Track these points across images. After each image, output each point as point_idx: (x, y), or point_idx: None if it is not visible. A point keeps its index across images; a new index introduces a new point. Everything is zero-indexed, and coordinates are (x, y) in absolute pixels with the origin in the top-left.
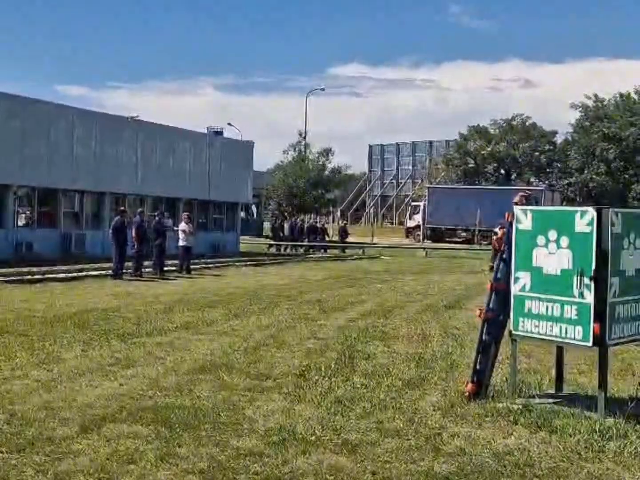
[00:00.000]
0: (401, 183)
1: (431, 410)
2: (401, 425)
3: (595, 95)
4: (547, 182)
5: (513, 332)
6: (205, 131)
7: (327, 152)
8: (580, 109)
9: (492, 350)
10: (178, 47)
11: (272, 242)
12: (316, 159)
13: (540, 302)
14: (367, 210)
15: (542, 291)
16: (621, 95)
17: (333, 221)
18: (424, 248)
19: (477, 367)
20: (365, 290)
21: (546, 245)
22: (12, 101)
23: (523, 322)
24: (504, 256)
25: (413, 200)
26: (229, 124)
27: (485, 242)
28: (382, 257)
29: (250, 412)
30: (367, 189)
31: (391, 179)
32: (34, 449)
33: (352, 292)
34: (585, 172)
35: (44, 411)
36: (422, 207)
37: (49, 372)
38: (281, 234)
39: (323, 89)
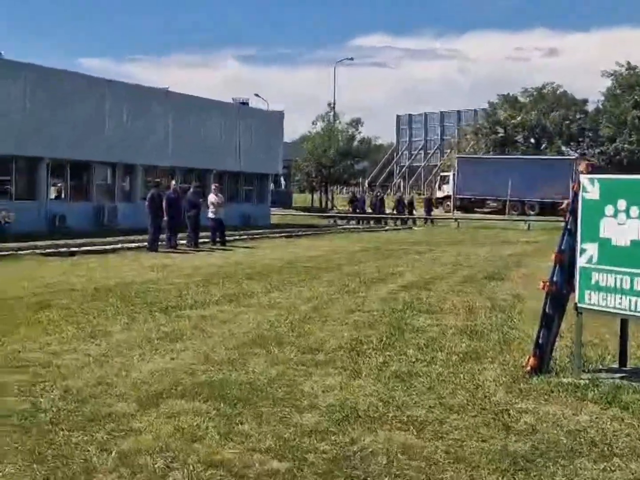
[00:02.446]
0: (429, 153)
1: (493, 385)
2: (465, 401)
3: (628, 63)
4: (578, 151)
5: (579, 305)
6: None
7: (356, 123)
8: (612, 77)
9: (555, 324)
10: (200, 19)
11: (351, 214)
12: (345, 129)
13: (609, 275)
14: (394, 181)
15: (611, 263)
16: None
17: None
18: (456, 219)
19: (539, 341)
20: (402, 261)
21: (615, 216)
22: (43, 73)
23: (589, 294)
24: (569, 227)
25: (442, 171)
26: (256, 94)
27: (515, 212)
28: (414, 228)
29: (307, 388)
30: (395, 159)
31: (419, 150)
32: (93, 426)
33: (389, 263)
34: (617, 141)
35: (98, 387)
36: (451, 178)
37: (98, 346)
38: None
39: (352, 59)
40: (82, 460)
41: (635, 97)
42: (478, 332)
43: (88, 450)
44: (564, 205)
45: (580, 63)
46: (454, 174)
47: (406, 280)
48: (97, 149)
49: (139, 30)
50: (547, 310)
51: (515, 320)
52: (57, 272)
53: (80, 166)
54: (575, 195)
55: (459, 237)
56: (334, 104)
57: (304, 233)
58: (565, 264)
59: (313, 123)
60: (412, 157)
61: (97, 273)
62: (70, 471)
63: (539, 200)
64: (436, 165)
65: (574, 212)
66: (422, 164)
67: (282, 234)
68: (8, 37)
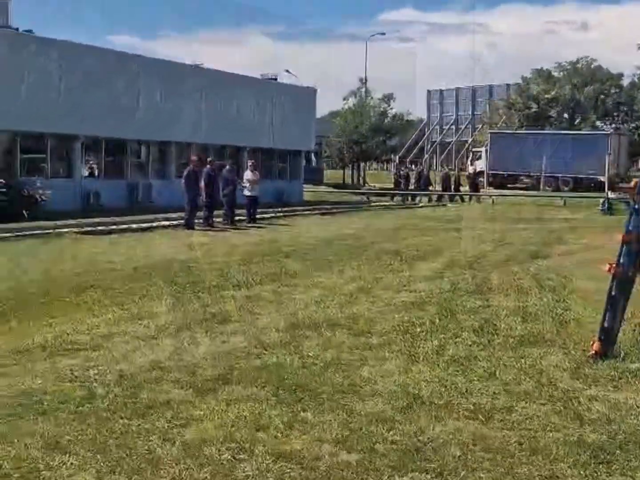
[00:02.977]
0: (460, 129)
1: (557, 370)
2: (530, 387)
3: None
4: (613, 125)
5: None
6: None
7: (388, 98)
8: None
9: (621, 308)
10: None
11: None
12: (377, 105)
13: None
14: (425, 156)
15: None
16: None
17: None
18: (490, 195)
19: (605, 324)
20: (441, 238)
21: None
22: (77, 50)
23: None
24: (636, 207)
25: (473, 147)
26: (287, 70)
27: (549, 189)
28: (449, 204)
29: (366, 373)
30: (426, 135)
31: (450, 125)
32: (152, 414)
33: (428, 241)
34: None
35: (152, 372)
36: (483, 154)
37: (146, 328)
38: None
39: (383, 34)
40: (145, 451)
41: None
42: (531, 313)
43: (150, 440)
44: (632, 184)
45: (612, 37)
46: (486, 150)
47: (447, 259)
48: (131, 126)
49: (167, 7)
50: (612, 293)
51: (567, 301)
52: (96, 251)
53: (114, 144)
54: None
55: (495, 214)
56: (366, 79)
57: (338, 210)
58: (633, 245)
59: (344, 99)
60: (443, 133)
61: (136, 251)
62: (135, 462)
63: (573, 176)
64: (467, 141)
65: None
66: (453, 140)
67: (316, 211)
68: (34, 14)
